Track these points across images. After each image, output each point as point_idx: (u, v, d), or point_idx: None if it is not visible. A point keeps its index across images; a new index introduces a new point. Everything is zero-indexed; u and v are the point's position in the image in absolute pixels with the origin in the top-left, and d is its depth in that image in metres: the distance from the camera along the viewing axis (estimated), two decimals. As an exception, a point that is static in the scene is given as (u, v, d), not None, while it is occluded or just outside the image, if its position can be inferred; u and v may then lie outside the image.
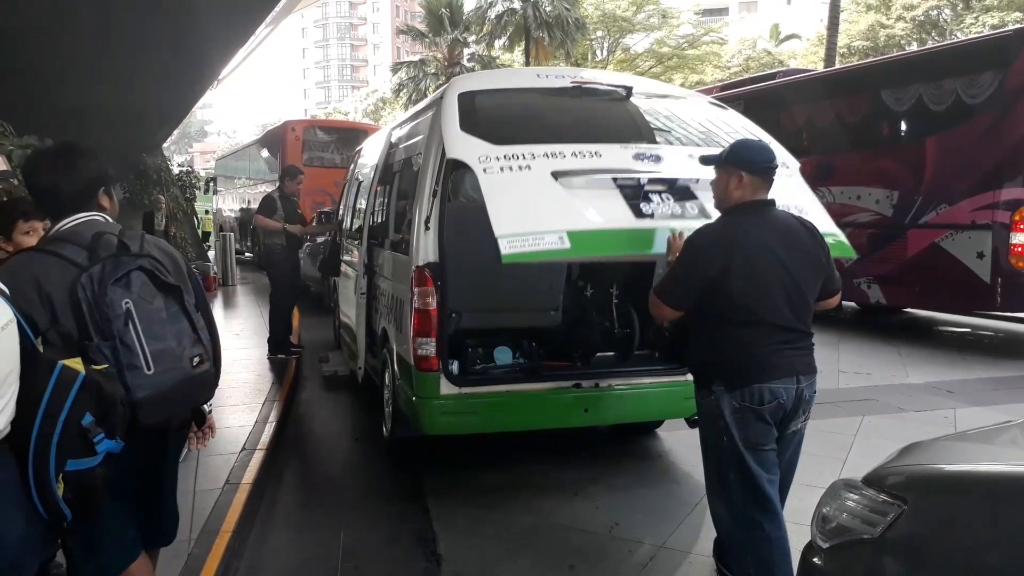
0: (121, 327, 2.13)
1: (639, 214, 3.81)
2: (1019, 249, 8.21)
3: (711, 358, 3.14)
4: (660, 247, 3.60)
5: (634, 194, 3.89)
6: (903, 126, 9.84)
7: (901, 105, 9.67)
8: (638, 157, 4.06)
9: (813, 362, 3.13)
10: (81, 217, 2.31)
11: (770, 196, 3.17)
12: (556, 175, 3.80)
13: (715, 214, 3.38)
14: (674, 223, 3.71)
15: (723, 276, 2.98)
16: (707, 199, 3.67)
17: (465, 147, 3.90)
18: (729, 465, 3.05)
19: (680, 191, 4.00)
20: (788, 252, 3.04)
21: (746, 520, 3.05)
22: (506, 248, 3.36)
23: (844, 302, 10.83)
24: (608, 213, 3.75)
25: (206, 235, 18.66)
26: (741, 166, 3.12)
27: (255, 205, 19.83)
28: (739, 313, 2.99)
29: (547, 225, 3.51)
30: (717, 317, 3.05)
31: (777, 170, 3.21)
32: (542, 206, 3.67)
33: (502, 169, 3.73)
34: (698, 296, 3.07)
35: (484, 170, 3.71)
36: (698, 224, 3.37)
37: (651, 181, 3.97)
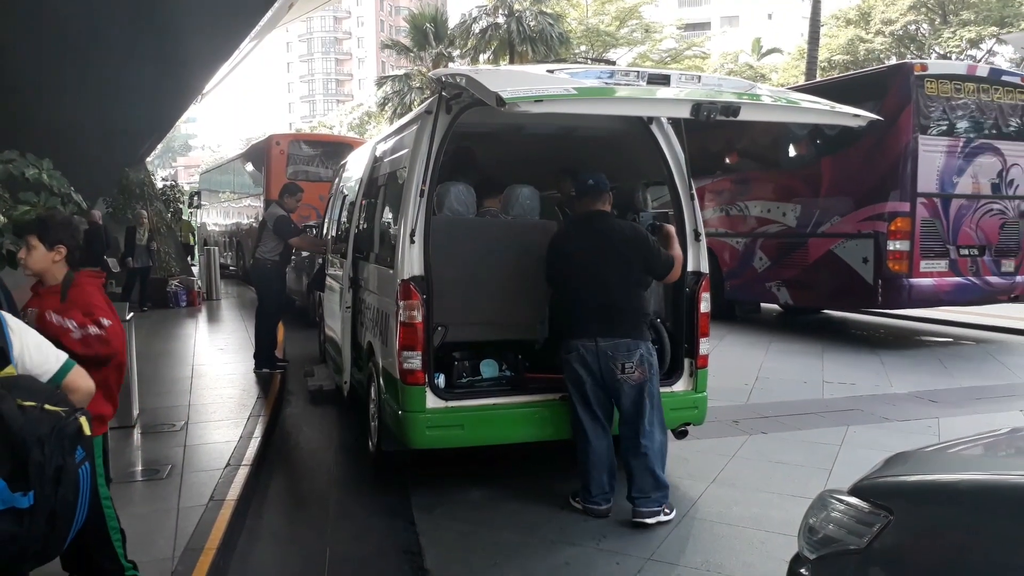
0: None
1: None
2: (895, 255, 9.43)
3: (555, 323, 4.62)
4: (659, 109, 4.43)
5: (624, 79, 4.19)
6: (804, 148, 11.16)
7: (803, 129, 10.74)
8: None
9: (619, 327, 4.28)
10: None
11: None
12: (550, 71, 4.30)
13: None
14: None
15: (550, 265, 4.55)
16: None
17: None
18: (571, 394, 4.43)
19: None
20: (598, 249, 4.33)
21: (573, 431, 4.49)
22: (507, 94, 3.32)
23: (763, 304, 12.40)
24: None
25: (188, 248, 18.40)
26: (575, 195, 4.72)
27: (242, 220, 19.85)
28: (561, 292, 4.54)
29: (550, 83, 3.80)
30: (556, 296, 4.63)
31: (592, 185, 4.43)
32: (543, 81, 3.92)
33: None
34: (551, 278, 4.61)
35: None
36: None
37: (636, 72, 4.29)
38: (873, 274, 9.58)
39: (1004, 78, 10.41)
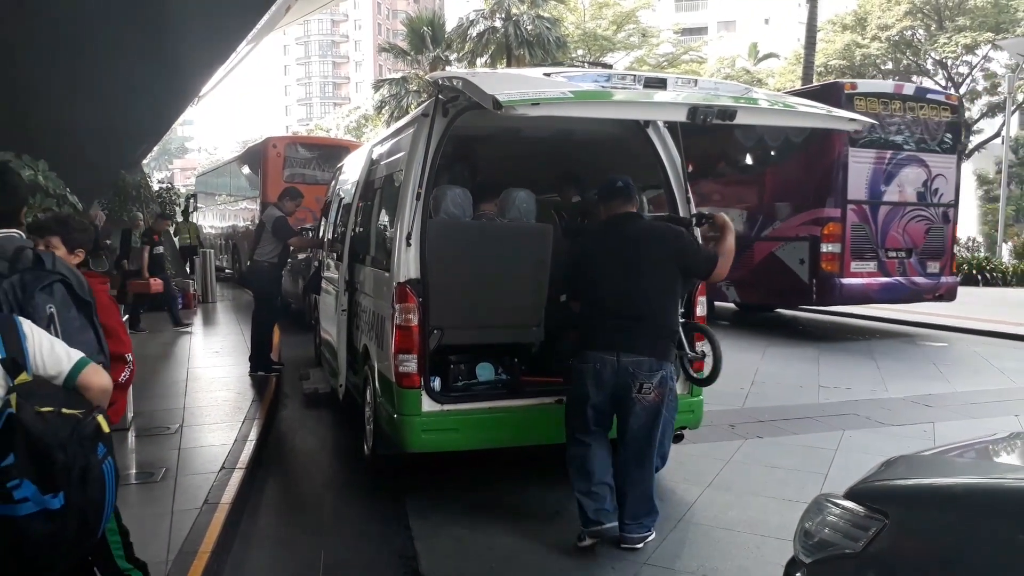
0: (44, 328, 2.32)
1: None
2: (828, 257, 10.54)
3: (557, 327, 4.43)
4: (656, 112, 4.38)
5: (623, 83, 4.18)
6: (751, 159, 12.16)
7: (749, 142, 11.49)
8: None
9: (645, 343, 3.89)
10: (2, 232, 2.50)
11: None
12: (547, 74, 4.23)
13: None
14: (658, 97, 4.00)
15: (576, 271, 4.23)
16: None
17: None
18: (569, 405, 4.16)
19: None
20: (630, 254, 3.97)
21: (569, 445, 4.11)
22: (504, 97, 3.27)
23: (717, 303, 13.04)
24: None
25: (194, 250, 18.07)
26: (599, 198, 4.31)
27: (238, 222, 19.82)
28: (582, 298, 4.17)
29: (547, 86, 3.77)
30: (579, 304, 4.24)
31: (621, 187, 4.13)
32: (540, 84, 3.88)
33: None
34: (575, 287, 4.31)
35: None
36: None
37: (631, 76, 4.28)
38: (808, 274, 10.71)
39: (929, 96, 11.65)
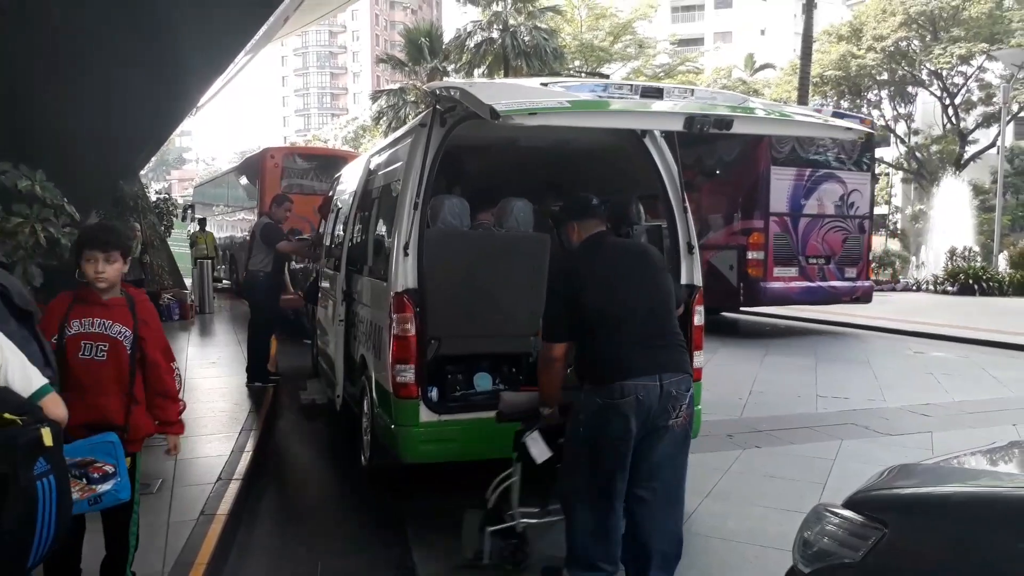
0: None
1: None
2: (753, 263, 11.84)
3: (584, 364, 3.47)
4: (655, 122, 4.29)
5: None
6: (691, 175, 13.29)
7: (688, 159, 12.85)
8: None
9: (677, 359, 3.38)
10: None
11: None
12: (544, 84, 4.14)
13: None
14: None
15: (578, 297, 3.39)
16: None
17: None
18: (594, 457, 3.33)
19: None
20: (633, 267, 3.52)
21: (592, 509, 3.37)
22: (501, 107, 3.19)
23: None
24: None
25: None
26: (571, 217, 3.73)
27: (235, 233, 19.80)
28: (598, 321, 3.36)
29: (544, 96, 3.65)
30: (585, 332, 3.40)
31: (596, 204, 3.72)
32: (538, 94, 3.78)
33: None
34: (569, 324, 3.42)
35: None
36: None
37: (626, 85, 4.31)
38: (736, 278, 11.97)
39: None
